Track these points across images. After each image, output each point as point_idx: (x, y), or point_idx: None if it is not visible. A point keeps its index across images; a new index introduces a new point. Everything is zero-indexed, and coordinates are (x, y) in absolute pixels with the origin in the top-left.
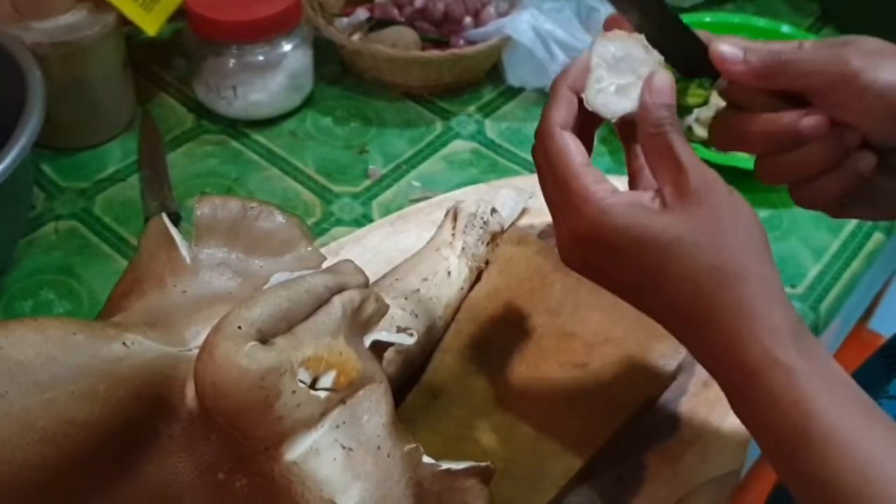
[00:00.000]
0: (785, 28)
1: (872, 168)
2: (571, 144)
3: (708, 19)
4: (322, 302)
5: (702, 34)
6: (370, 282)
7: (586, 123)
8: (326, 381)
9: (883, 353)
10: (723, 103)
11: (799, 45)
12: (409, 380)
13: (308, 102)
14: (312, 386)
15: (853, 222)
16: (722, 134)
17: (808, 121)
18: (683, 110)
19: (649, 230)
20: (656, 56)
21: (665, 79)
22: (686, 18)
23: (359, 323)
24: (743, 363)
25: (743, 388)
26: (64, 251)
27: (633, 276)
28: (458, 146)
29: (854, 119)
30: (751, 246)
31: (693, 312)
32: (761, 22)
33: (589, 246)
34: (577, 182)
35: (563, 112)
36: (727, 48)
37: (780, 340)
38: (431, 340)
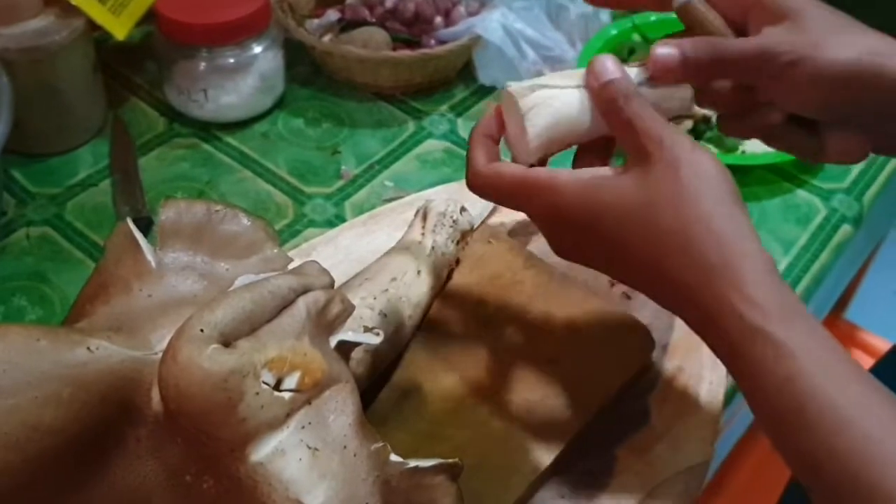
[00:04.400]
0: None
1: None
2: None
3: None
4: (286, 303)
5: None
6: (342, 282)
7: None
8: (291, 382)
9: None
10: None
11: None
12: (379, 379)
13: (280, 104)
14: (277, 387)
15: (822, 215)
16: None
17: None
18: None
19: (601, 200)
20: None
21: (604, 60)
22: (656, 16)
23: (324, 324)
24: (724, 333)
25: (730, 359)
26: (36, 257)
27: (600, 250)
28: (431, 146)
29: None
30: (715, 202)
31: (663, 278)
32: None
33: (561, 229)
34: (527, 175)
35: (481, 153)
36: (663, 50)
37: (762, 310)
38: (401, 339)
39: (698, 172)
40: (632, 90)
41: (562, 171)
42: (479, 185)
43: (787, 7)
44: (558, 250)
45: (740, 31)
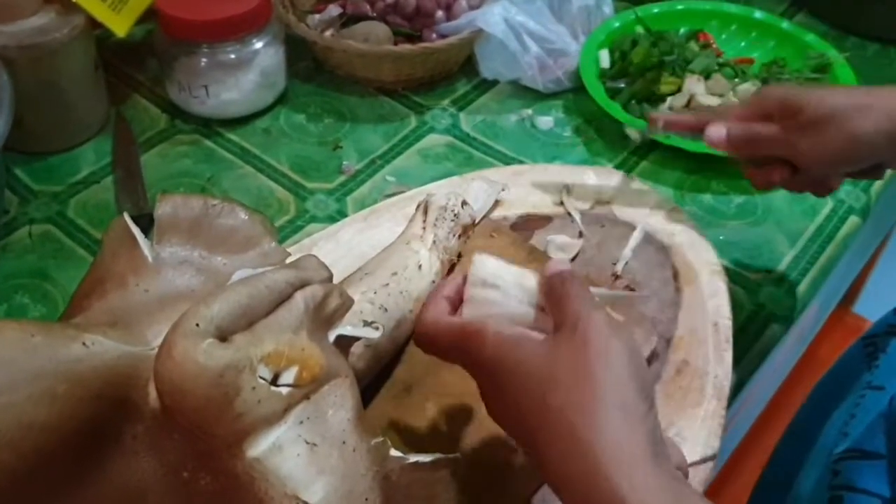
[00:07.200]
0: (757, 14)
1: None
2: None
3: (680, 7)
4: (284, 298)
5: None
6: (343, 277)
7: None
8: (288, 376)
9: (864, 341)
10: (698, 89)
11: (763, 106)
12: (381, 374)
13: (281, 100)
14: (274, 382)
15: (829, 206)
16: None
17: (775, 176)
18: (657, 99)
19: (513, 357)
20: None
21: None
22: (659, 7)
23: (322, 318)
24: None
25: None
26: (38, 255)
27: (501, 403)
28: (433, 140)
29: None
30: (612, 391)
31: (541, 451)
32: (734, 8)
33: (480, 378)
34: (462, 326)
35: (430, 309)
36: (713, 131)
37: None
38: (402, 334)
39: (604, 357)
40: (577, 277)
41: (491, 323)
42: (420, 336)
43: (799, 111)
44: (483, 400)
45: None
